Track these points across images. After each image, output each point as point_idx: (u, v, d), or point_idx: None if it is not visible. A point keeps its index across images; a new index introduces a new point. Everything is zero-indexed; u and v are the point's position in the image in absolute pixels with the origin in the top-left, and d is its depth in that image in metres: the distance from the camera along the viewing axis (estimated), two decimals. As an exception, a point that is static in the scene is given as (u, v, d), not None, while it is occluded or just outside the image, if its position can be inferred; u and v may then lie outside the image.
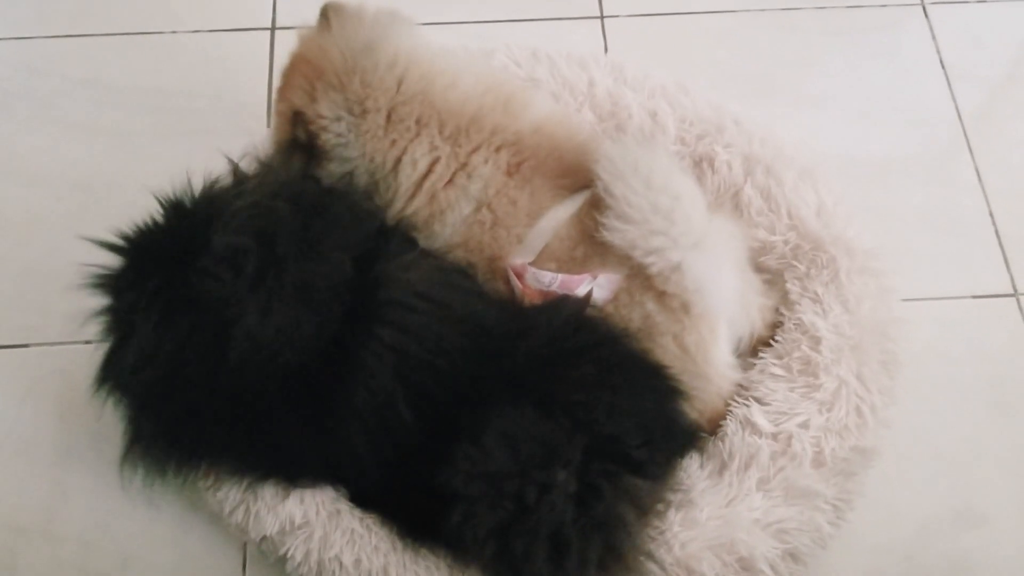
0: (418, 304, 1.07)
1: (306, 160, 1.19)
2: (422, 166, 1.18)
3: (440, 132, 1.18)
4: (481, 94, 1.21)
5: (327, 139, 1.19)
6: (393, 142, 1.18)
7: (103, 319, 1.10)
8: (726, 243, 1.16)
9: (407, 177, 1.18)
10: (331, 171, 1.20)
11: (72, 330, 1.30)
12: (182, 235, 1.06)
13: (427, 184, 1.19)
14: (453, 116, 1.19)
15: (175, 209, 1.09)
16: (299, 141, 1.19)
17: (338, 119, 1.19)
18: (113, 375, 1.10)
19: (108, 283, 1.09)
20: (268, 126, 1.47)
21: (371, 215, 1.16)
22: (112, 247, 1.10)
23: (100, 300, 1.10)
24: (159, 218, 1.09)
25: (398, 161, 1.19)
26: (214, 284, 1.02)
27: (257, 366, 1.02)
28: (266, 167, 1.17)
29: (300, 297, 1.03)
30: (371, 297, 1.07)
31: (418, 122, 1.18)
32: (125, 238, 1.10)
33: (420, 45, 1.22)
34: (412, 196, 1.19)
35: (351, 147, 1.19)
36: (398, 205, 1.19)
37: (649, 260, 1.09)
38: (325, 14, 1.21)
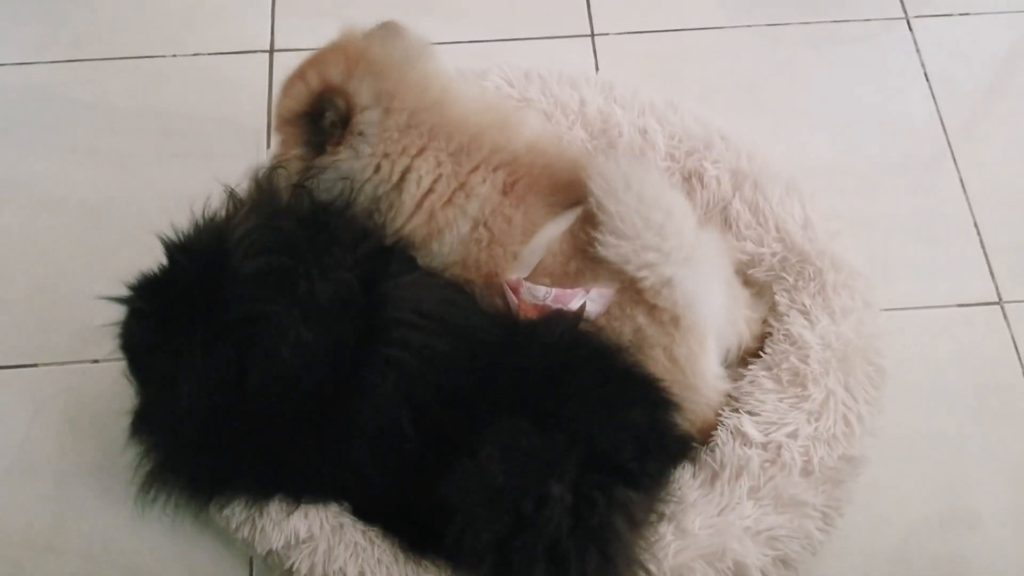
0: (419, 322, 1.09)
1: (311, 149, 1.19)
2: (425, 183, 1.19)
3: (447, 146, 1.19)
4: (482, 111, 1.23)
5: (356, 123, 1.19)
6: (404, 149, 1.19)
7: (131, 375, 1.13)
8: (715, 258, 1.18)
9: (410, 195, 1.19)
10: (336, 164, 1.19)
11: (79, 349, 1.35)
12: (197, 275, 1.06)
13: (427, 203, 1.20)
14: (458, 131, 1.20)
15: (183, 251, 1.09)
16: (320, 116, 1.18)
17: (368, 108, 1.19)
18: (153, 426, 1.13)
19: (128, 339, 1.12)
20: (268, 147, 1.49)
21: (369, 234, 1.17)
22: (125, 300, 1.11)
23: (124, 357, 1.13)
24: (168, 264, 1.10)
25: (403, 177, 1.19)
26: (249, 305, 1.03)
27: (276, 388, 1.04)
28: (257, 187, 1.17)
29: (312, 316, 1.05)
30: (375, 316, 1.08)
31: (431, 130, 1.19)
32: (135, 289, 1.11)
33: (443, 69, 1.25)
34: (412, 214, 1.20)
35: (369, 142, 1.19)
36: (398, 222, 1.20)
37: (641, 274, 1.11)
38: (375, 28, 1.24)
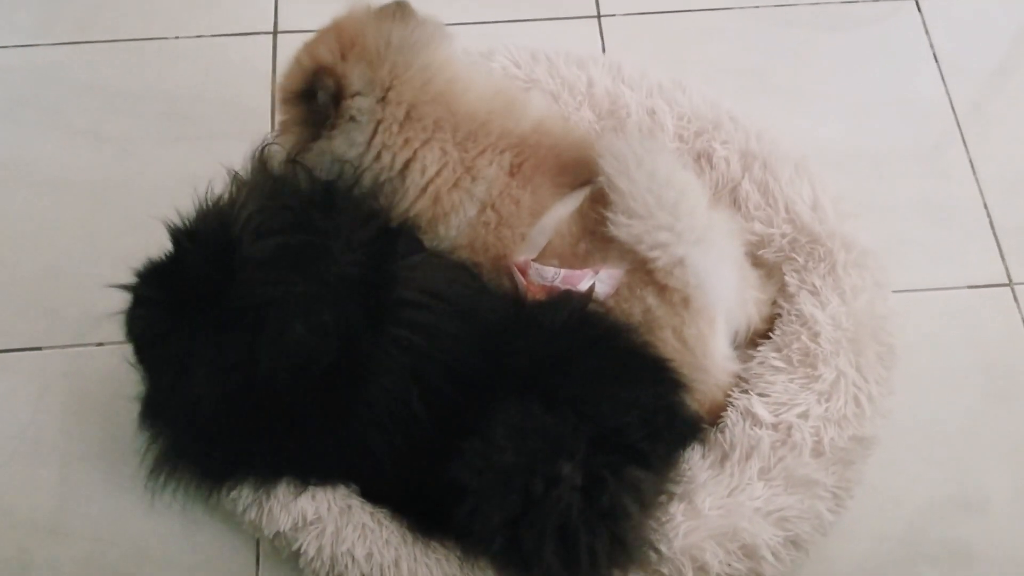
0: (429, 303, 1.08)
1: (306, 130, 1.18)
2: (431, 172, 1.19)
3: (452, 136, 1.19)
4: (491, 97, 1.22)
5: (347, 107, 1.18)
6: (406, 141, 1.18)
7: (138, 364, 1.13)
8: (726, 238, 1.18)
9: (414, 183, 1.19)
10: (332, 149, 1.18)
11: (84, 332, 1.34)
12: (205, 261, 1.06)
13: (432, 188, 1.19)
14: (466, 120, 1.19)
15: (190, 237, 1.08)
16: (313, 96, 1.17)
17: (361, 94, 1.18)
18: (164, 413, 1.12)
19: (137, 327, 1.11)
20: (272, 129, 1.47)
21: (375, 213, 1.17)
22: (132, 288, 1.11)
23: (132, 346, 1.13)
24: (175, 250, 1.09)
25: (407, 166, 1.19)
26: (268, 288, 1.03)
27: (288, 369, 1.03)
28: (254, 168, 1.16)
29: (325, 296, 1.04)
30: (384, 297, 1.07)
31: (435, 123, 1.18)
32: (141, 276, 1.10)
33: (453, 56, 1.24)
34: (417, 199, 1.19)
35: (362, 130, 1.18)
36: (403, 206, 1.20)
37: (654, 254, 1.10)
38: (384, 7, 1.22)
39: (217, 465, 1.15)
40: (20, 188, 1.49)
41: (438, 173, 1.19)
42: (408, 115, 1.18)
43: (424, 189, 1.19)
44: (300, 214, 1.08)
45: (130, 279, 1.11)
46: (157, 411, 1.13)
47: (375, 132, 1.18)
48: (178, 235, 1.09)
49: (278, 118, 1.26)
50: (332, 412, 1.07)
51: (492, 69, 1.45)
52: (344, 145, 1.19)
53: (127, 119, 1.55)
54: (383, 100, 1.18)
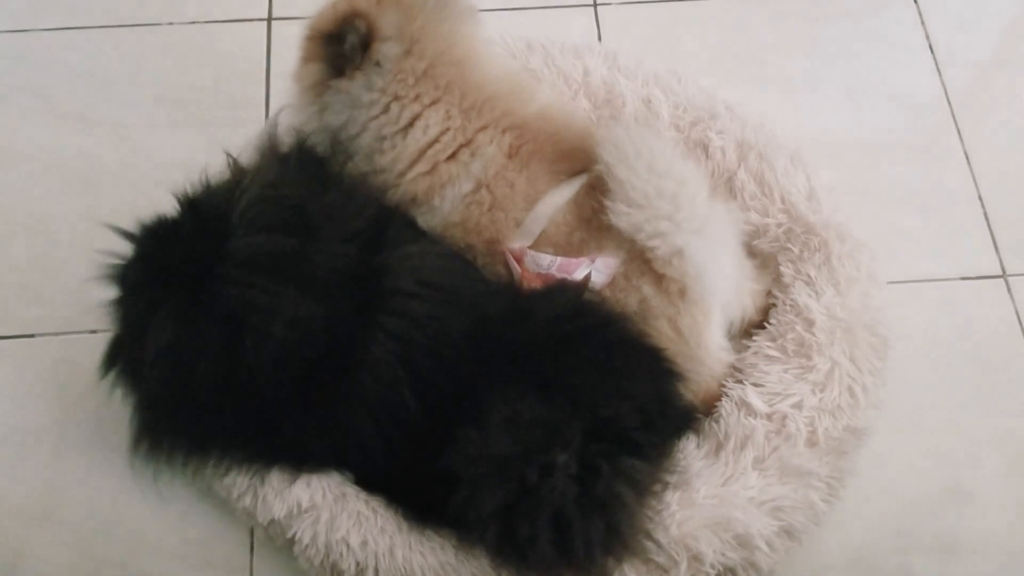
0: (421, 292, 1.08)
1: (330, 69, 1.20)
2: (432, 133, 1.19)
3: (460, 102, 1.19)
4: (502, 77, 1.23)
5: (374, 51, 1.18)
6: (417, 96, 1.19)
7: (115, 308, 1.10)
8: (725, 229, 1.18)
9: (415, 141, 1.19)
10: (350, 89, 1.19)
11: (76, 320, 1.34)
12: (199, 235, 1.06)
13: (430, 152, 1.19)
14: (474, 90, 1.20)
15: (192, 208, 1.08)
16: (342, 39, 1.18)
17: (390, 39, 1.18)
18: (124, 365, 1.10)
19: (124, 275, 1.09)
20: (267, 116, 1.48)
21: (368, 199, 1.16)
22: (130, 236, 1.10)
23: (112, 290, 1.10)
24: (176, 215, 1.09)
25: (412, 123, 1.19)
26: (241, 290, 1.02)
27: (271, 360, 1.03)
28: (259, 153, 1.16)
29: (311, 289, 1.04)
30: (376, 286, 1.07)
31: (448, 85, 1.19)
32: (144, 228, 1.10)
33: (476, 34, 1.25)
34: (414, 162, 1.20)
35: (383, 76, 1.19)
36: (399, 167, 1.20)
37: (653, 243, 1.10)
38: None
39: (193, 441, 1.14)
40: (11, 174, 1.48)
41: (438, 138, 1.19)
42: (426, 71, 1.19)
43: (423, 152, 1.19)
44: (296, 208, 1.07)
45: (123, 260, 1.10)
46: (117, 360, 1.12)
47: (393, 80, 1.19)
48: (183, 203, 1.08)
49: (298, 56, 1.25)
50: (324, 402, 1.07)
51: (508, 58, 1.45)
52: (362, 88, 1.19)
53: (119, 105, 1.54)
54: (408, 53, 1.19)
